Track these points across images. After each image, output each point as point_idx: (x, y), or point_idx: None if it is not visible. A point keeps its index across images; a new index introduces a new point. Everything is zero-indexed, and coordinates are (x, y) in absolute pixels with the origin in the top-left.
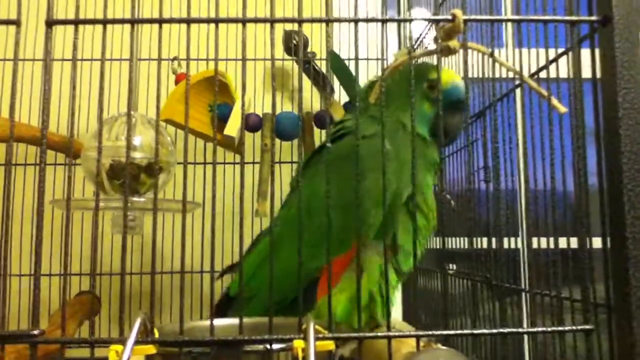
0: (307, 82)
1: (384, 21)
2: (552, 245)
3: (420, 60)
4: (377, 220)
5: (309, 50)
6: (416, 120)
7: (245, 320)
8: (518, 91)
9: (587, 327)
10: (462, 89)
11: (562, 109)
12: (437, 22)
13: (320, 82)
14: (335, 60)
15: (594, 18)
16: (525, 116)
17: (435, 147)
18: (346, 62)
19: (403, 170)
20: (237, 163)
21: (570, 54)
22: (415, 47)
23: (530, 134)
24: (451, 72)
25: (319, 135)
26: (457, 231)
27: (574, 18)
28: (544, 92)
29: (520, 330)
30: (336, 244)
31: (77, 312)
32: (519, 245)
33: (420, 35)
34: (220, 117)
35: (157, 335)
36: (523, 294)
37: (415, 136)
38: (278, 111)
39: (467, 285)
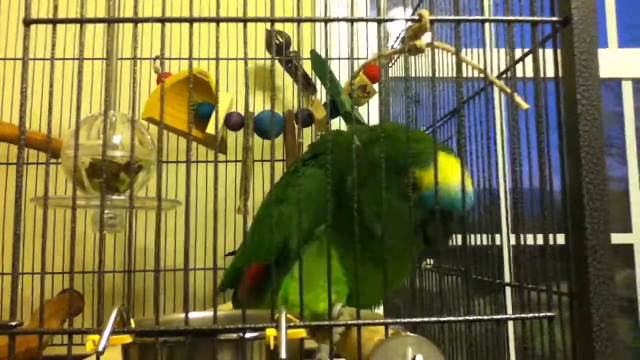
0: (289, 81)
1: (352, 21)
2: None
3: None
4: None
5: (290, 49)
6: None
7: (220, 312)
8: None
9: (549, 314)
10: (453, 199)
11: (524, 105)
12: (406, 21)
13: (302, 81)
14: (316, 60)
15: (555, 19)
16: (489, 114)
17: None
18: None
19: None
20: (221, 161)
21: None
22: (393, 46)
23: (501, 130)
24: (454, 169)
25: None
26: None
27: (536, 18)
28: (508, 90)
29: (484, 317)
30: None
31: (60, 310)
32: (497, 241)
33: (400, 34)
34: (203, 116)
35: (133, 325)
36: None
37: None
38: (261, 110)
39: (446, 279)
